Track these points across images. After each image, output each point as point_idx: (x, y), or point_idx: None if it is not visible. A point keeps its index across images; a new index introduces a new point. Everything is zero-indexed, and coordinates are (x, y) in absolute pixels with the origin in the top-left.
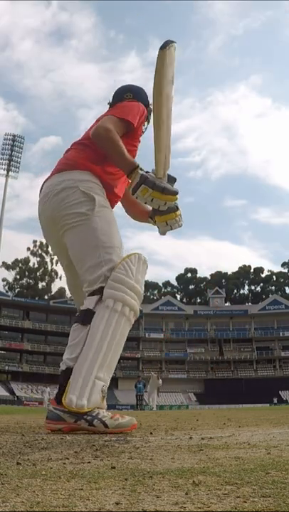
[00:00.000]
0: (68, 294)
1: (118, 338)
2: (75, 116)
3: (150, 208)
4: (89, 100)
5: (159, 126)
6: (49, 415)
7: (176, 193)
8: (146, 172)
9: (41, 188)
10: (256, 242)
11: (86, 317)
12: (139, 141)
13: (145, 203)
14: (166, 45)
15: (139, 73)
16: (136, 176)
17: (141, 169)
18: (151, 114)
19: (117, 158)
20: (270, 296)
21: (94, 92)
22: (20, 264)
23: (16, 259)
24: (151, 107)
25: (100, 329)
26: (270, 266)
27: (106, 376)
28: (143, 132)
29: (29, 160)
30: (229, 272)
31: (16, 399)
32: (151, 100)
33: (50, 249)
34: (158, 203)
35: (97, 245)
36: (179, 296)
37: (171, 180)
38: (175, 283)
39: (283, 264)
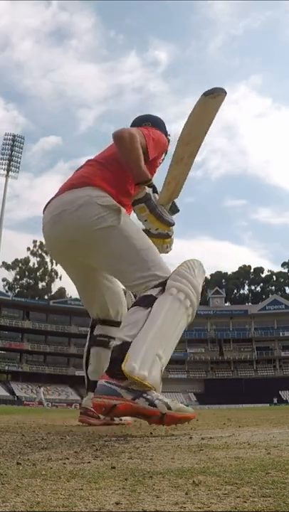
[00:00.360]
0: (68, 293)
1: (178, 325)
2: (75, 116)
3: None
4: (89, 100)
5: (176, 163)
6: (100, 389)
7: (171, 224)
8: (155, 192)
9: (47, 204)
10: (256, 242)
11: (148, 301)
12: (155, 172)
13: (139, 220)
14: (212, 93)
15: (139, 73)
16: (143, 190)
17: (151, 185)
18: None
19: (133, 164)
20: (270, 296)
21: (94, 92)
22: (20, 264)
23: (16, 259)
24: (170, 138)
25: (163, 310)
26: (270, 266)
27: (164, 358)
28: (160, 163)
29: (29, 160)
30: (229, 272)
31: (16, 399)
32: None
33: None
34: (150, 226)
35: (136, 249)
36: None
37: (175, 210)
38: None
39: (283, 264)
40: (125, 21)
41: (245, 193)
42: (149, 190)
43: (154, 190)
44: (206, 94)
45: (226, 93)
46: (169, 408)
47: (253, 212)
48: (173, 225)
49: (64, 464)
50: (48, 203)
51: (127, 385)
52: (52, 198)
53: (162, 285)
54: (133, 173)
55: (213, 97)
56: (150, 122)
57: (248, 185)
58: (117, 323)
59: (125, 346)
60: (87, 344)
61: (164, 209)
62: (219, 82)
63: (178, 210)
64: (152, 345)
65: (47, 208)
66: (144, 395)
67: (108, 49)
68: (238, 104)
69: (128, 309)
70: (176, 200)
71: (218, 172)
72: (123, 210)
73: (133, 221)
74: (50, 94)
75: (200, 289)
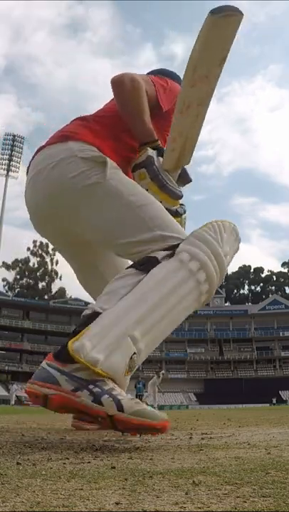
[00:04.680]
0: (68, 293)
1: (180, 302)
2: (86, 112)
3: None
4: (102, 95)
5: (182, 113)
6: (37, 373)
7: (178, 196)
8: (161, 154)
9: (28, 168)
10: (265, 241)
11: (147, 264)
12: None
13: None
14: (222, 11)
15: (154, 68)
16: (144, 152)
17: (157, 147)
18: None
19: (135, 118)
20: (270, 296)
21: (107, 87)
22: (20, 264)
23: (16, 259)
24: None
25: (159, 277)
26: (276, 264)
27: (142, 342)
28: None
29: None
30: (229, 272)
31: (16, 399)
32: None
33: (50, 249)
34: None
35: (130, 207)
36: None
37: (185, 179)
38: None
39: (283, 264)
40: (143, 15)
41: (256, 190)
42: (152, 152)
43: (161, 154)
44: (214, 12)
45: (242, 14)
46: (121, 410)
47: (263, 209)
48: (180, 197)
49: (64, 463)
50: (29, 165)
51: (71, 370)
52: (31, 159)
53: (172, 248)
54: (135, 130)
55: (224, 17)
56: (162, 74)
57: (259, 182)
58: None
59: (93, 317)
60: None
61: (169, 177)
62: (238, 73)
63: (189, 180)
64: (125, 321)
65: (28, 173)
66: (91, 386)
67: (124, 43)
68: (255, 96)
69: None
70: (187, 168)
71: (230, 167)
72: (110, 162)
73: (127, 178)
74: (62, 89)
75: (226, 262)
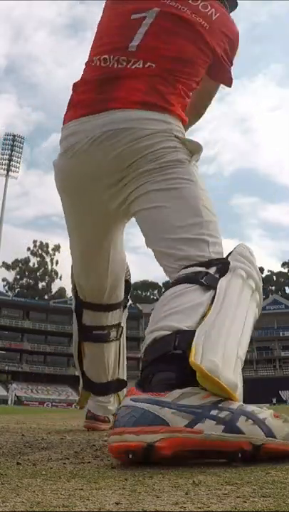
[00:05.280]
0: (68, 293)
1: (252, 322)
2: None
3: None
4: None
5: None
6: (123, 418)
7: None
8: None
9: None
10: (266, 241)
11: (208, 280)
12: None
13: None
14: None
15: None
16: None
17: None
18: None
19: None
20: (270, 296)
21: None
22: (20, 264)
23: (16, 259)
24: None
25: (236, 297)
26: (276, 264)
27: (241, 364)
28: None
29: (37, 156)
30: None
31: (16, 399)
32: None
33: (50, 249)
34: None
35: (196, 200)
36: None
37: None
38: None
39: (283, 264)
40: None
41: (257, 190)
42: None
43: None
44: None
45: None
46: (271, 435)
47: (264, 209)
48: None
49: (64, 463)
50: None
51: (174, 399)
52: (103, 108)
53: (222, 264)
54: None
55: None
56: None
57: (259, 182)
58: (106, 307)
59: (182, 336)
60: (76, 337)
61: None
62: (239, 73)
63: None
64: (232, 342)
65: (93, 118)
66: (214, 412)
67: None
68: (256, 95)
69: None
70: None
71: (230, 167)
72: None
73: None
74: (63, 89)
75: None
